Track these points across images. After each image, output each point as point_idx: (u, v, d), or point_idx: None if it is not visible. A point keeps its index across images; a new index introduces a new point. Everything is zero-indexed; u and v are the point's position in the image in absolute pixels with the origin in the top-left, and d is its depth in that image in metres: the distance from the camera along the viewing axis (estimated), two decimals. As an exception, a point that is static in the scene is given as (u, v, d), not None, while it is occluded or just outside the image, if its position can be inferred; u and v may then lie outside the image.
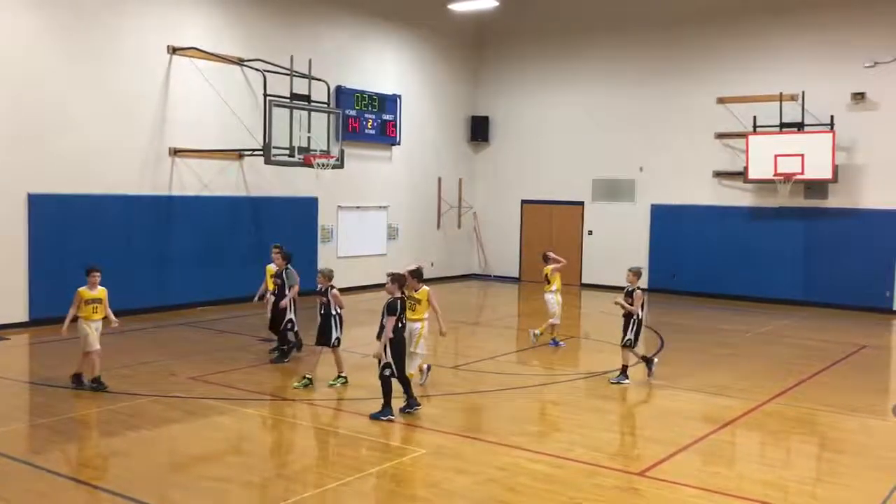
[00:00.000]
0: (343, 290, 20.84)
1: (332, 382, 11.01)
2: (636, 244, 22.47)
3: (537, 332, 14.25)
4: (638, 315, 11.65)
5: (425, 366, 11.13)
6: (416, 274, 10.72)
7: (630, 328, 11.61)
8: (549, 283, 14.46)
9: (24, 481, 7.57)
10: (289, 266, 12.60)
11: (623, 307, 11.65)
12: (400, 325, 9.47)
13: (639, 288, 11.70)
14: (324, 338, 10.95)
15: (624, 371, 11.66)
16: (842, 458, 8.76)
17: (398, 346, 9.44)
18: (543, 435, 9.03)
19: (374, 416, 9.46)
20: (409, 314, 10.18)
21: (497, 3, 21.45)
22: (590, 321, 18.83)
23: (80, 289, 10.99)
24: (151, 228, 16.84)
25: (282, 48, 18.40)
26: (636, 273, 11.83)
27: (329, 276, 11.12)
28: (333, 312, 10.97)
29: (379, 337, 9.54)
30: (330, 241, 20.90)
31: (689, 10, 21.67)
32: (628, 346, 11.68)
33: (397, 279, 9.71)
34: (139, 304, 16.43)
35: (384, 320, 9.44)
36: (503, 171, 25.17)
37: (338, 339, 11.02)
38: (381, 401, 9.49)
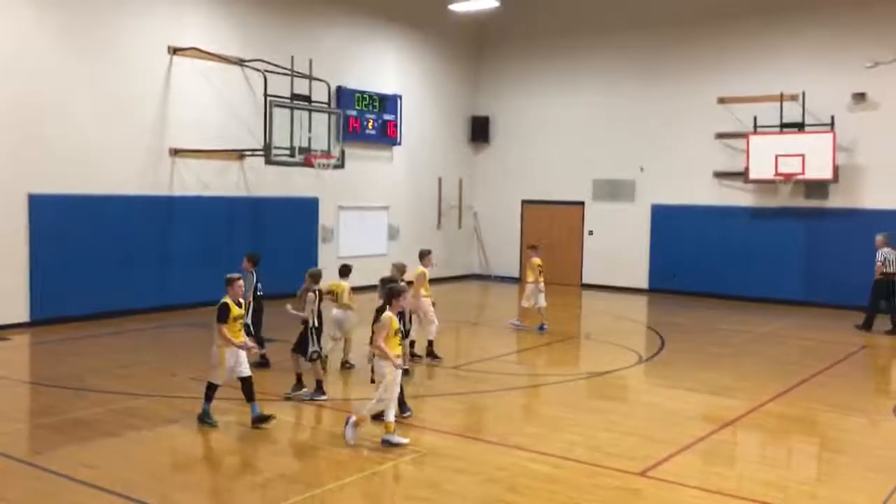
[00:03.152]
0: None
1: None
2: (636, 244, 22.49)
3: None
4: (312, 322, 10.51)
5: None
6: (314, 275, 10.13)
7: (311, 339, 10.46)
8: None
9: (25, 481, 7.58)
10: (252, 270, 12.10)
11: (295, 314, 10.61)
12: None
13: (313, 291, 10.55)
14: None
15: (319, 387, 10.48)
16: (842, 458, 8.76)
17: None
18: (543, 435, 9.03)
19: (375, 418, 9.48)
20: None
21: (497, 4, 21.44)
22: (590, 321, 18.82)
23: (390, 315, 8.89)
24: (152, 228, 16.84)
25: (282, 48, 18.41)
26: (311, 276, 10.80)
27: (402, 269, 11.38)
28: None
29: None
30: (330, 241, 20.91)
31: (689, 11, 21.66)
32: (315, 358, 10.49)
33: (384, 284, 9.75)
34: (139, 304, 16.45)
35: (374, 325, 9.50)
36: (503, 171, 25.16)
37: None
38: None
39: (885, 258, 16.52)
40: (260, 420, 9.12)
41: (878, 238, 16.81)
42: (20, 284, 14.83)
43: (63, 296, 15.31)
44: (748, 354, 14.18)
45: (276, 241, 19.13)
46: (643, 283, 22.47)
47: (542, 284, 15.75)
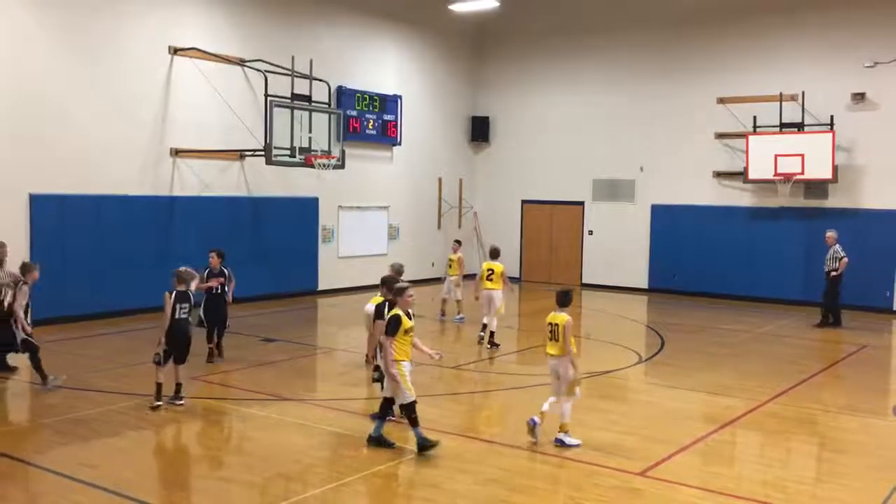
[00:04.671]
0: (343, 290, 20.94)
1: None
2: (636, 244, 22.50)
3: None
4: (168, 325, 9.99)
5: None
6: (178, 275, 10.27)
7: (158, 342, 10.00)
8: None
9: (26, 481, 7.59)
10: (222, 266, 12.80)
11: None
12: None
13: (170, 291, 10.15)
14: None
15: (178, 391, 9.95)
16: (842, 458, 8.77)
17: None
18: (543, 435, 9.02)
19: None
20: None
21: (497, 3, 21.45)
22: (590, 321, 18.81)
23: (571, 319, 8.83)
24: (152, 228, 16.84)
25: (283, 48, 18.41)
26: (176, 276, 10.36)
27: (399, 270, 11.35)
28: None
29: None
30: (331, 241, 20.92)
31: (689, 10, 21.67)
32: (158, 362, 9.88)
33: (385, 283, 9.78)
34: (139, 304, 16.43)
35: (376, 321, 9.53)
36: (503, 171, 25.17)
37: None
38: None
39: (840, 255, 16.84)
40: (423, 447, 8.29)
41: (832, 235, 16.98)
42: (20, 284, 14.80)
43: (63, 296, 15.30)
44: (748, 354, 14.18)
45: (276, 241, 19.16)
46: (643, 283, 22.47)
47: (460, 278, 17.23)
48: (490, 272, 14.39)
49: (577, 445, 8.50)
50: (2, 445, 8.41)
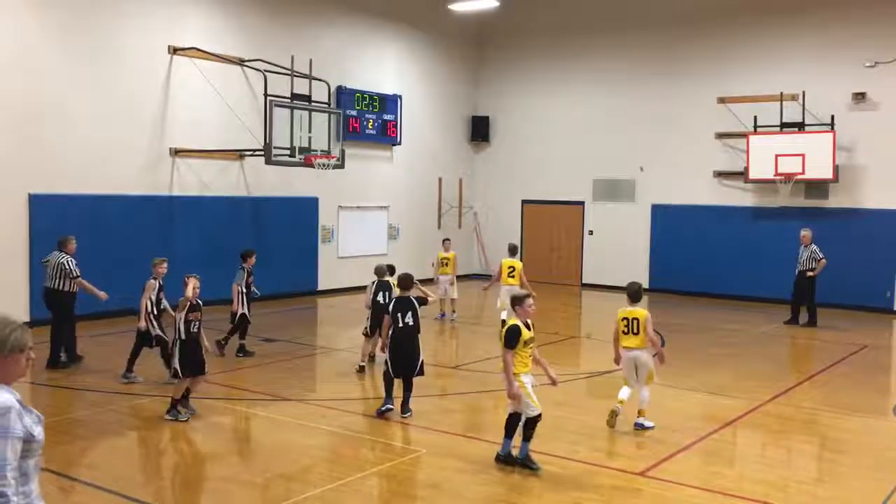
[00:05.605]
0: (343, 290, 20.93)
1: None
2: (636, 244, 22.49)
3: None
4: (175, 335, 9.59)
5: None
6: (188, 281, 10.00)
7: (174, 355, 9.54)
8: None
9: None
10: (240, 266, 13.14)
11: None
12: (398, 325, 9.52)
13: (184, 299, 9.69)
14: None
15: (174, 405, 9.36)
16: (842, 458, 8.76)
17: (392, 345, 9.56)
18: (544, 435, 9.00)
19: (378, 411, 9.55)
20: None
21: (497, 3, 21.45)
22: (590, 321, 18.83)
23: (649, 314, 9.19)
24: (152, 228, 16.83)
25: (282, 48, 18.40)
26: (188, 281, 9.93)
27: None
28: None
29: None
30: (331, 241, 20.92)
31: (689, 10, 21.66)
32: (178, 376, 9.41)
33: (399, 280, 10.09)
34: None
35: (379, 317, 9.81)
36: (503, 171, 25.17)
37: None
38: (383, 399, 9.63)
39: (819, 256, 16.94)
40: (524, 463, 7.87)
41: (807, 234, 17.05)
42: (20, 284, 14.80)
43: (63, 296, 15.27)
44: (748, 354, 14.18)
45: (276, 241, 19.14)
46: (643, 283, 22.36)
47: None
48: (511, 269, 14.89)
49: (652, 427, 9.14)
50: (1, 445, 8.39)
